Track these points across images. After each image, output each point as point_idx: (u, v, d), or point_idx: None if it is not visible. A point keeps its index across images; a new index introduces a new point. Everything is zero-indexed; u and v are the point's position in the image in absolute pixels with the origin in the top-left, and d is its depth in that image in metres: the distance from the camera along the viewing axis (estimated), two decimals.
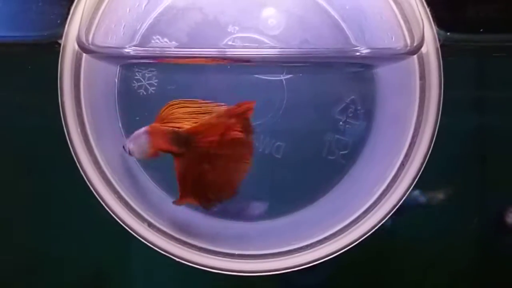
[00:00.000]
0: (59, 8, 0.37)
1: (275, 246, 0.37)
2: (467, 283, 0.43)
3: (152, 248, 0.36)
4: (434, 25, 0.37)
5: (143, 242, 0.36)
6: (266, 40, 0.38)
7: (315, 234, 0.37)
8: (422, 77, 0.37)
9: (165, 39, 0.38)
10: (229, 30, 0.38)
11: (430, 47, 0.37)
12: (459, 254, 0.42)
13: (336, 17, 0.39)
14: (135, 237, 0.36)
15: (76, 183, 0.36)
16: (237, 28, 0.38)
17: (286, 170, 0.39)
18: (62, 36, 0.36)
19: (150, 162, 0.37)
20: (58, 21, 0.37)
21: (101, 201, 0.36)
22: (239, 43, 0.38)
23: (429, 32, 0.37)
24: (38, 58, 0.39)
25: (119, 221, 0.36)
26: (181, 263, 0.36)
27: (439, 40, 0.37)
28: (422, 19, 0.35)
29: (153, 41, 0.38)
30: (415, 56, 0.37)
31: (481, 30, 0.39)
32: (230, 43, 0.38)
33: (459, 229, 0.42)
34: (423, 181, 0.37)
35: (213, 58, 0.36)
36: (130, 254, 0.41)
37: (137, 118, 0.38)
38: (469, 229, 0.42)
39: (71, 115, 0.36)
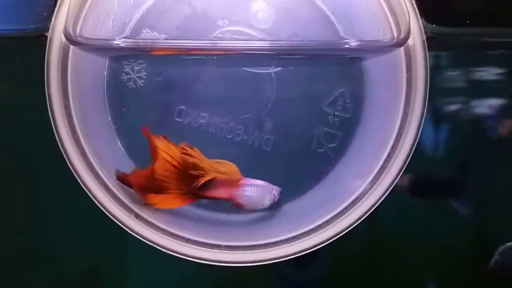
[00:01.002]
0: (45, 0, 0.37)
1: (262, 237, 0.37)
2: (465, 282, 0.43)
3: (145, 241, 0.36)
4: (421, 17, 0.37)
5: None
6: (255, 34, 0.38)
7: (302, 225, 0.37)
8: (409, 69, 0.37)
9: (155, 33, 0.38)
10: (218, 23, 0.38)
11: (416, 40, 0.37)
12: (454, 251, 0.42)
13: (326, 10, 0.39)
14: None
15: (63, 175, 0.36)
16: (226, 21, 0.38)
17: (275, 163, 0.39)
18: (48, 28, 0.36)
19: (138, 153, 0.38)
20: (45, 14, 0.37)
21: (88, 193, 0.36)
22: (229, 36, 0.38)
23: (415, 25, 0.37)
24: (25, 50, 0.39)
25: (106, 212, 0.36)
26: (169, 254, 0.36)
27: (425, 33, 0.37)
28: (408, 12, 0.36)
29: (142, 34, 0.38)
30: (401, 49, 0.37)
31: (467, 22, 0.39)
32: (219, 36, 0.38)
33: (451, 224, 0.42)
34: (409, 173, 0.37)
35: (203, 50, 0.37)
36: (123, 246, 0.41)
37: (124, 109, 0.38)
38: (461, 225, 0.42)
39: (58, 107, 0.36)
